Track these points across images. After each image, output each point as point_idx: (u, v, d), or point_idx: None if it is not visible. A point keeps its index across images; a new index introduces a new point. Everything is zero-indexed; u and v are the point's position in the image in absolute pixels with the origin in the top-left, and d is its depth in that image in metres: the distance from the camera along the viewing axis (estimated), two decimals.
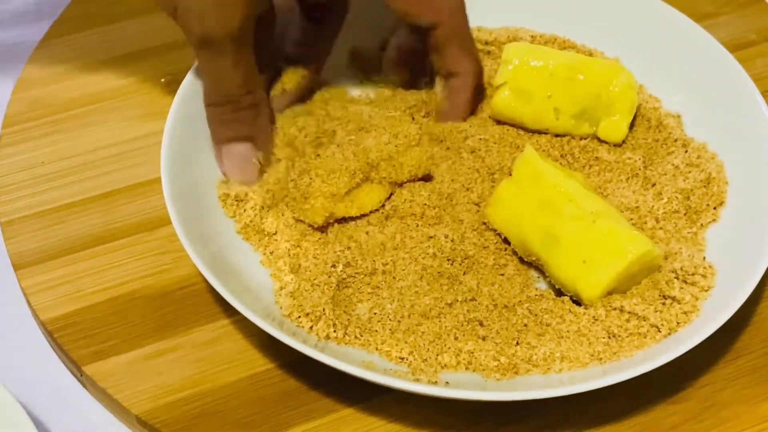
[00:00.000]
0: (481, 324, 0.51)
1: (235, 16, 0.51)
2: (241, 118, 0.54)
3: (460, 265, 0.53)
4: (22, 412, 0.48)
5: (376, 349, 0.49)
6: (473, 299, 0.52)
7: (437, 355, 0.49)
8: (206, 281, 0.51)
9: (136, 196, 0.59)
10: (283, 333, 0.47)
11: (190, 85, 0.57)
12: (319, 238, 0.54)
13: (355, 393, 0.50)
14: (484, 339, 0.50)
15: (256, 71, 0.54)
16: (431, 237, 0.53)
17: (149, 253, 0.56)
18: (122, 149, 0.61)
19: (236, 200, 0.55)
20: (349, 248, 0.53)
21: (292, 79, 0.58)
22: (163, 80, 0.65)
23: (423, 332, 0.50)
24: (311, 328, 0.49)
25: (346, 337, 0.49)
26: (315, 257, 0.53)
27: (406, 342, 0.49)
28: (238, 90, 0.53)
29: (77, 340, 0.52)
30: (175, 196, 0.52)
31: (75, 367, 0.52)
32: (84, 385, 0.52)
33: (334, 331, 0.49)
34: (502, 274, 0.53)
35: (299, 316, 0.50)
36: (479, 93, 0.60)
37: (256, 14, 0.53)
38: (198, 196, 0.54)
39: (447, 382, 0.48)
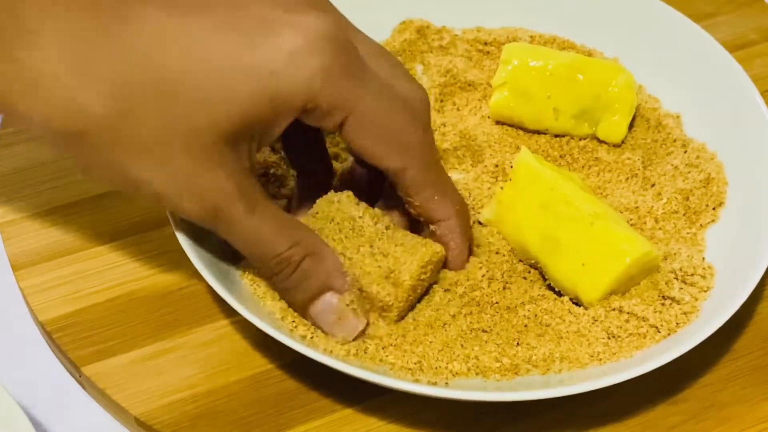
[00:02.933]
0: (485, 331, 0.51)
1: (222, 176, 0.45)
2: (301, 275, 0.48)
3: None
4: (21, 412, 0.48)
5: (381, 360, 0.49)
6: (477, 304, 0.51)
7: (447, 363, 0.49)
8: (205, 282, 0.51)
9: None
10: (283, 333, 0.47)
11: None
12: None
13: (354, 393, 0.50)
14: (486, 342, 0.50)
15: (286, 217, 0.48)
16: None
17: (148, 253, 0.56)
18: None
19: None
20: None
21: None
22: None
23: (431, 342, 0.50)
24: (311, 338, 0.49)
25: (349, 356, 0.49)
26: None
27: (413, 352, 0.49)
28: (278, 252, 0.47)
29: (76, 341, 0.52)
30: None
31: (74, 367, 0.51)
32: (83, 386, 0.52)
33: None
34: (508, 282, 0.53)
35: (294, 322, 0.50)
36: (470, 231, 0.53)
37: (252, 161, 0.47)
38: None
39: (446, 383, 0.48)
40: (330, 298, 0.49)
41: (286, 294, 0.49)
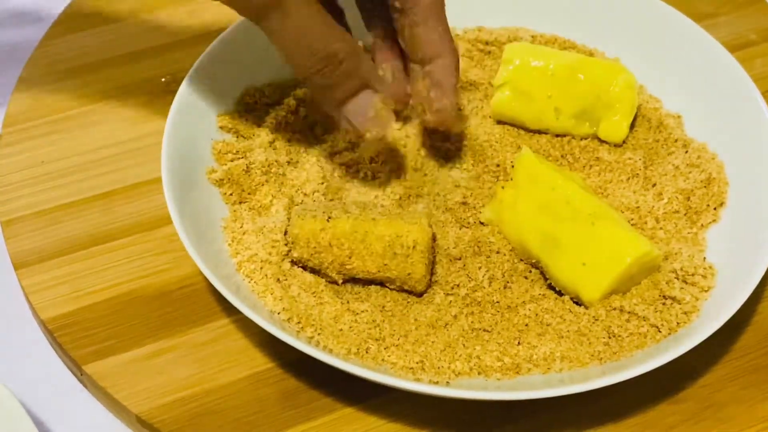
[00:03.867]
0: (486, 330, 0.51)
1: None
2: (345, 71, 0.50)
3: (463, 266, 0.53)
4: (23, 411, 0.48)
5: (383, 360, 0.49)
6: (478, 303, 0.52)
7: (449, 363, 0.49)
8: (206, 281, 0.51)
9: (135, 195, 0.59)
10: (284, 332, 0.47)
11: (190, 85, 0.57)
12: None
13: (355, 392, 0.50)
14: (488, 341, 0.50)
15: (332, 19, 0.50)
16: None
17: (149, 252, 0.56)
18: (122, 149, 0.61)
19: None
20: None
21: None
22: (163, 80, 0.65)
23: (432, 342, 0.50)
24: (311, 338, 0.49)
25: (350, 355, 0.49)
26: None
27: (416, 352, 0.49)
28: (327, 45, 0.49)
29: (77, 340, 0.52)
30: (176, 195, 0.52)
31: (75, 366, 0.52)
32: (84, 385, 0.52)
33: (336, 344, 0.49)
34: (509, 281, 0.53)
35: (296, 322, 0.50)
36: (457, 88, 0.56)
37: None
38: (198, 196, 0.54)
39: (448, 382, 0.48)
40: (369, 94, 0.51)
41: (325, 91, 0.51)
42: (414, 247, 0.50)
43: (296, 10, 0.48)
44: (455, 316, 0.51)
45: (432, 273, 0.52)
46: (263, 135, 0.58)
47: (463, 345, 0.49)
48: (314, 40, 0.49)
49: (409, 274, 0.50)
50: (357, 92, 0.51)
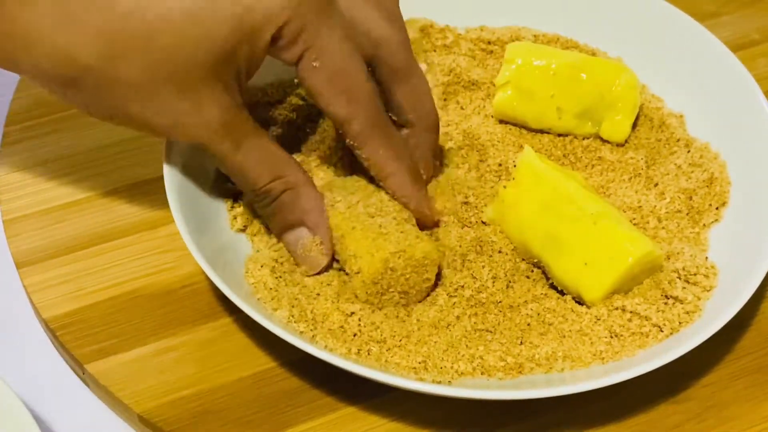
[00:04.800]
0: (489, 331, 0.51)
1: (210, 109, 0.47)
2: (280, 207, 0.51)
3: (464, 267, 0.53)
4: (25, 410, 0.48)
5: (386, 361, 0.49)
6: (481, 304, 0.51)
7: (452, 363, 0.49)
8: (208, 279, 0.51)
9: (137, 194, 0.59)
10: (285, 331, 0.47)
11: None
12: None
13: (356, 392, 0.50)
14: (490, 341, 0.50)
15: (274, 151, 0.50)
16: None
17: (151, 251, 0.56)
18: (124, 147, 0.61)
19: (231, 194, 0.55)
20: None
21: None
22: None
23: (435, 342, 0.50)
24: (312, 338, 0.49)
25: (351, 355, 0.49)
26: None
27: (418, 352, 0.49)
28: (263, 182, 0.50)
29: (79, 339, 0.52)
30: (177, 194, 0.52)
31: (77, 365, 0.52)
32: (86, 383, 0.52)
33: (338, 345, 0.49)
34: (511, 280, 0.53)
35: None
36: (422, 176, 0.54)
37: (241, 94, 0.49)
38: (200, 195, 0.54)
39: (450, 381, 0.48)
40: (302, 232, 0.52)
41: (265, 218, 0.53)
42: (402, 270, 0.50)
43: (228, 155, 0.49)
44: (458, 317, 0.51)
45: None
46: (269, 135, 0.58)
47: (466, 345, 0.49)
48: (247, 179, 0.50)
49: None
50: (291, 228, 0.52)
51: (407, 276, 0.50)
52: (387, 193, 0.53)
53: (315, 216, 0.52)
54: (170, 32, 0.46)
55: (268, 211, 0.52)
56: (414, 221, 0.52)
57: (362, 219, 0.51)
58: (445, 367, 0.48)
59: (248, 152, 0.49)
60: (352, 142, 0.51)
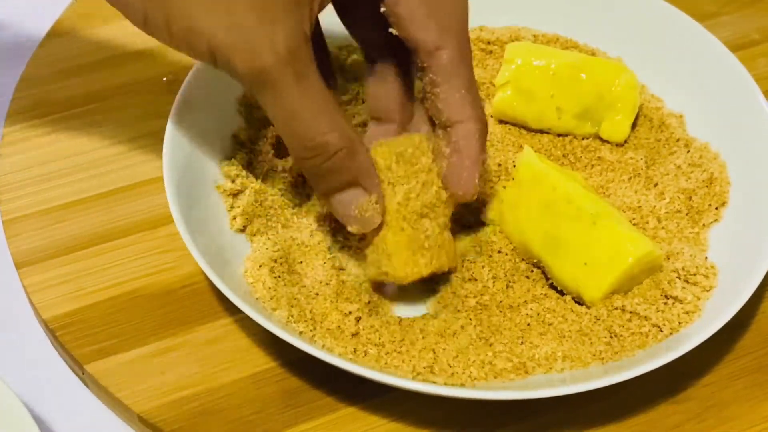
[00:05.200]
0: (493, 334, 0.50)
1: (279, 33, 0.43)
2: (333, 166, 0.46)
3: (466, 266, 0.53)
4: (25, 410, 0.48)
5: (386, 363, 0.49)
6: (485, 306, 0.51)
7: (464, 369, 0.49)
8: (208, 280, 0.51)
9: (137, 194, 0.59)
10: (285, 331, 0.47)
11: (192, 84, 0.57)
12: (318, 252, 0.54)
13: (356, 392, 0.50)
14: (493, 343, 0.50)
15: (332, 101, 0.46)
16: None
17: (151, 251, 0.56)
18: (124, 148, 0.61)
19: (231, 194, 0.55)
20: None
21: None
22: (164, 79, 0.65)
23: (444, 349, 0.49)
24: (311, 338, 0.49)
25: (349, 355, 0.49)
26: (313, 268, 0.53)
27: (423, 358, 0.49)
28: (317, 135, 0.45)
29: (79, 339, 0.52)
30: (177, 194, 0.52)
31: (77, 365, 0.52)
32: (86, 384, 0.52)
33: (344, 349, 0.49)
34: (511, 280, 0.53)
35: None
36: (484, 152, 0.50)
37: (310, 26, 0.45)
38: (200, 195, 0.54)
39: (462, 384, 0.48)
40: (357, 193, 0.48)
41: (311, 178, 0.48)
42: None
43: (288, 91, 0.44)
44: (463, 327, 0.50)
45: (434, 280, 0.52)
46: (268, 135, 0.58)
47: (476, 352, 0.49)
48: (303, 126, 0.45)
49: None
50: (344, 188, 0.48)
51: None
52: (446, 147, 0.49)
53: (371, 176, 0.48)
54: None
55: (318, 171, 0.47)
56: (449, 223, 0.51)
57: (412, 221, 0.49)
58: (457, 372, 0.48)
59: (309, 92, 0.45)
60: (433, 77, 0.47)
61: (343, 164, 0.47)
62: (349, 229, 0.49)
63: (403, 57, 0.51)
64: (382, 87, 0.52)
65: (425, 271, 0.50)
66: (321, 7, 0.47)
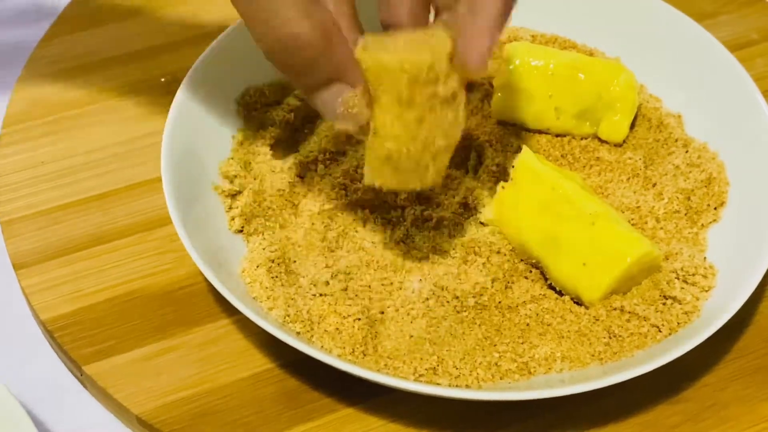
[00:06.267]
0: (495, 334, 0.50)
1: None
2: (309, 59, 0.43)
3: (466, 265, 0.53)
4: (23, 411, 0.48)
5: (384, 365, 0.49)
6: (484, 307, 0.51)
7: (470, 371, 0.49)
8: (206, 281, 0.51)
9: (136, 195, 0.59)
10: (284, 332, 0.47)
11: (190, 84, 0.57)
12: (323, 248, 0.54)
13: (355, 393, 0.50)
14: (495, 344, 0.50)
15: None
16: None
17: (149, 252, 0.56)
18: (122, 149, 0.61)
19: (229, 195, 0.55)
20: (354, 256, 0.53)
21: None
22: (162, 80, 0.65)
23: (449, 349, 0.49)
24: (310, 338, 0.49)
25: (348, 356, 0.49)
26: (314, 265, 0.53)
27: (424, 360, 0.49)
28: (289, 25, 0.42)
29: (77, 340, 0.52)
30: (176, 195, 0.52)
31: (75, 366, 0.52)
32: (84, 385, 0.52)
33: (352, 351, 0.49)
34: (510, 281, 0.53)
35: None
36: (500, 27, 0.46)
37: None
38: (198, 196, 0.54)
39: (467, 385, 0.48)
40: (340, 88, 0.45)
41: (288, 74, 0.45)
42: None
43: None
44: (463, 333, 0.50)
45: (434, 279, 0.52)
46: (266, 135, 0.58)
47: (482, 354, 0.49)
48: (272, 15, 0.42)
49: None
50: (326, 84, 0.45)
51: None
52: (462, 6, 0.45)
53: (352, 68, 0.44)
54: None
55: (296, 65, 0.44)
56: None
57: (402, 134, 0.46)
58: (463, 374, 0.48)
59: None
60: None
61: (319, 56, 0.43)
62: (338, 127, 0.46)
63: None
64: None
65: (396, 188, 0.47)
66: None
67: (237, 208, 0.54)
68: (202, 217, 0.53)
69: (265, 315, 0.49)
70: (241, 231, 0.54)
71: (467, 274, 0.52)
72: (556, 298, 0.52)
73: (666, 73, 0.63)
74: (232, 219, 0.54)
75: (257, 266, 0.52)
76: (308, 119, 0.60)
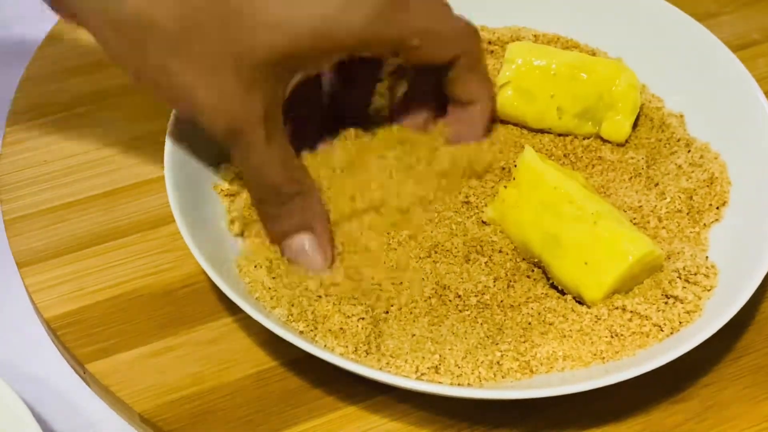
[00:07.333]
0: (497, 333, 0.50)
1: (257, 100, 0.49)
2: (290, 210, 0.52)
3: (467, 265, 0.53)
4: (26, 409, 0.48)
5: (387, 364, 0.49)
6: (486, 306, 0.51)
7: (472, 370, 0.49)
8: (209, 279, 0.51)
9: (138, 194, 0.59)
10: (286, 331, 0.47)
11: None
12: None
13: (356, 391, 0.50)
14: (498, 343, 0.50)
15: (292, 153, 0.52)
16: (437, 244, 0.54)
17: (152, 251, 0.56)
18: (125, 148, 0.61)
19: (229, 195, 0.55)
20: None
21: None
22: None
23: (451, 348, 0.50)
24: (313, 337, 0.49)
25: (351, 354, 0.49)
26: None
27: (426, 358, 0.49)
28: (280, 181, 0.51)
29: (80, 338, 0.52)
30: (178, 194, 0.52)
31: (78, 364, 0.52)
32: (87, 383, 0.52)
33: (355, 350, 0.49)
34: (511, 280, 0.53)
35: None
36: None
37: (284, 93, 0.51)
38: (200, 194, 0.54)
39: (469, 384, 0.48)
40: (305, 237, 0.52)
41: (268, 221, 0.53)
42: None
43: (258, 148, 0.50)
44: (465, 332, 0.50)
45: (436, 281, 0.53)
46: None
47: (484, 353, 0.49)
48: (269, 175, 0.51)
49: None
50: (297, 230, 0.52)
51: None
52: (461, 119, 0.57)
53: (321, 221, 0.52)
54: (251, 14, 0.47)
55: (276, 213, 0.52)
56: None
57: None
58: (465, 373, 0.48)
59: (276, 148, 0.50)
60: (458, 73, 0.55)
61: (297, 207, 0.52)
62: (297, 271, 0.52)
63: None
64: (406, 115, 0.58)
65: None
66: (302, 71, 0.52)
67: (235, 211, 0.54)
68: (203, 216, 0.53)
69: (267, 314, 0.49)
70: (241, 235, 0.54)
71: (469, 273, 0.52)
72: (558, 298, 0.52)
73: (668, 73, 0.63)
74: (232, 222, 0.54)
75: (255, 266, 0.52)
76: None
